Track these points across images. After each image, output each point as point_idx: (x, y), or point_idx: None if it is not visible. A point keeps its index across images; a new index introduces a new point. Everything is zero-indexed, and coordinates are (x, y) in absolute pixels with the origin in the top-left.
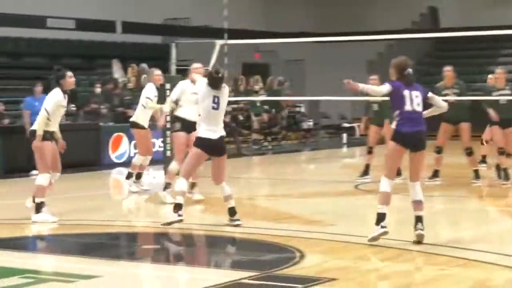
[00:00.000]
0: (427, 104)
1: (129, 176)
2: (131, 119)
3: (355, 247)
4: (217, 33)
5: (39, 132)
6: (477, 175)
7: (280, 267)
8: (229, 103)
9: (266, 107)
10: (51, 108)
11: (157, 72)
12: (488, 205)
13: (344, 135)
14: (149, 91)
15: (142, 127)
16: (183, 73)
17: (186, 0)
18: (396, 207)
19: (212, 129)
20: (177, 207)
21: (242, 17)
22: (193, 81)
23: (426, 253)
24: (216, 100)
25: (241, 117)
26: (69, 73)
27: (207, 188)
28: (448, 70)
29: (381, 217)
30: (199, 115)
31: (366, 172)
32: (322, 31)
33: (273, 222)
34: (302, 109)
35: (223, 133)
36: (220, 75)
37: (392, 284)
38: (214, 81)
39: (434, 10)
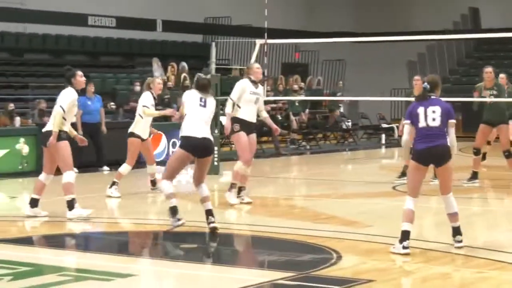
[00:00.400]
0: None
1: (112, 184)
2: (129, 130)
3: (384, 248)
4: (257, 32)
5: (55, 130)
6: None
7: (317, 268)
8: (268, 102)
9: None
10: (67, 106)
11: (158, 80)
12: None
13: (383, 136)
14: (146, 100)
15: (138, 137)
16: (222, 71)
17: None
18: (434, 209)
19: (196, 128)
20: (173, 211)
21: (283, 17)
22: (254, 81)
23: (465, 256)
24: (203, 100)
25: (279, 117)
26: (79, 72)
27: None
28: (488, 72)
29: (404, 236)
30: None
31: (404, 173)
32: (362, 31)
33: (310, 222)
34: (341, 110)
35: (209, 135)
36: (206, 80)
37: (430, 286)
38: (202, 86)
39: (475, 11)
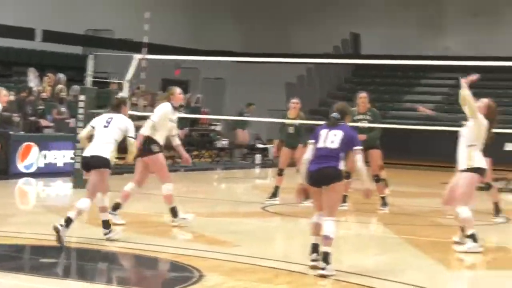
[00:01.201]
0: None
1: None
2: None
3: (257, 269)
4: (139, 47)
5: None
6: (384, 202)
7: (176, 286)
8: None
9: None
10: None
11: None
12: (392, 232)
13: (258, 156)
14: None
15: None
16: (99, 85)
17: (109, 12)
18: (302, 231)
19: (90, 147)
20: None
21: (165, 33)
22: (175, 107)
23: (328, 279)
24: (109, 120)
25: None
26: None
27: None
28: (362, 97)
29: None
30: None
31: (275, 194)
32: (244, 51)
33: (177, 241)
34: (218, 128)
35: (99, 153)
36: (119, 97)
37: None
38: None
39: (355, 36)
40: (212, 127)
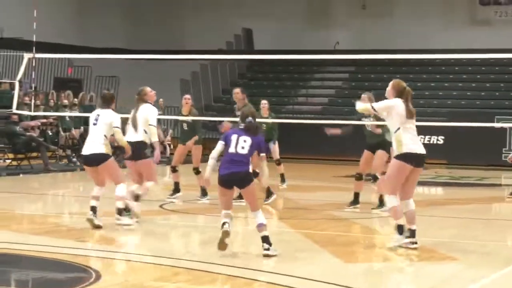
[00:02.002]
0: None
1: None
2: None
3: (156, 267)
4: (29, 45)
5: None
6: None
7: (72, 287)
8: (38, 117)
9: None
10: None
11: None
12: (287, 226)
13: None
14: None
15: None
16: None
17: None
18: (200, 228)
19: (85, 146)
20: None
21: (57, 31)
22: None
23: (227, 276)
24: (97, 117)
25: (50, 132)
26: None
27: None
28: (235, 92)
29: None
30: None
31: (176, 190)
32: (138, 48)
33: (73, 241)
34: None
35: (95, 150)
36: (108, 94)
37: None
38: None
39: (248, 32)
40: None
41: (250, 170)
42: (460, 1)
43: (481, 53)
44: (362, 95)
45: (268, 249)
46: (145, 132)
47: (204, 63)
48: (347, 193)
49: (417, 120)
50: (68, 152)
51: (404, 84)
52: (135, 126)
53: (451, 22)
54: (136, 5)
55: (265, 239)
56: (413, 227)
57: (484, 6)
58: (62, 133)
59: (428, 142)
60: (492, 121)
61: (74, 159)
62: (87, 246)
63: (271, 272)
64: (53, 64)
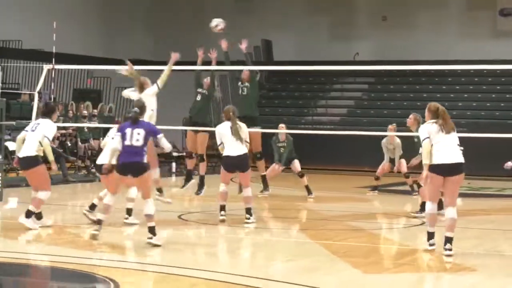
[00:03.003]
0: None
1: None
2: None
3: (173, 278)
4: (49, 57)
5: None
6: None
7: None
8: (58, 128)
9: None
10: None
11: None
12: (307, 237)
13: (173, 164)
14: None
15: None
16: (10, 96)
17: (18, 22)
18: (218, 239)
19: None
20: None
21: (76, 42)
22: None
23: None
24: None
25: (69, 143)
26: None
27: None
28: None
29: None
30: None
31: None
32: (157, 59)
33: (91, 251)
34: None
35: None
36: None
37: None
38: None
39: (267, 43)
40: None
41: (145, 161)
42: (480, 12)
43: (501, 64)
44: (410, 116)
45: (151, 238)
46: None
47: (223, 74)
48: (366, 203)
49: None
50: (87, 163)
51: (438, 105)
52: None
53: (471, 33)
54: (158, 16)
55: (151, 230)
56: (448, 234)
57: (504, 17)
58: (80, 143)
59: None
60: None
61: (93, 170)
62: (106, 257)
63: (290, 283)
64: (72, 75)
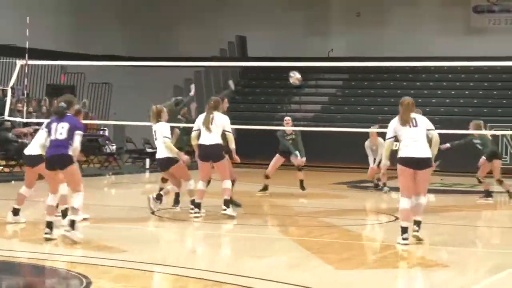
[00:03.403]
0: None
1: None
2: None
3: (146, 274)
4: (21, 52)
5: None
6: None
7: None
8: (31, 124)
9: None
10: None
11: None
12: (282, 234)
13: (147, 160)
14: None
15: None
16: None
17: None
18: (191, 235)
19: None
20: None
21: (50, 38)
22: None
23: (217, 282)
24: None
25: None
26: None
27: None
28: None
29: None
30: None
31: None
32: (131, 55)
33: (64, 248)
34: (106, 133)
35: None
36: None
37: None
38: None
39: (242, 39)
40: (101, 132)
41: (70, 153)
42: (454, 9)
43: (475, 61)
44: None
45: (68, 231)
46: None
47: (198, 70)
48: (340, 200)
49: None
50: None
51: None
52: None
53: (445, 30)
54: (131, 13)
55: (71, 223)
56: (416, 218)
57: (478, 14)
58: None
59: None
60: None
61: None
62: (79, 253)
63: (264, 279)
64: (46, 70)
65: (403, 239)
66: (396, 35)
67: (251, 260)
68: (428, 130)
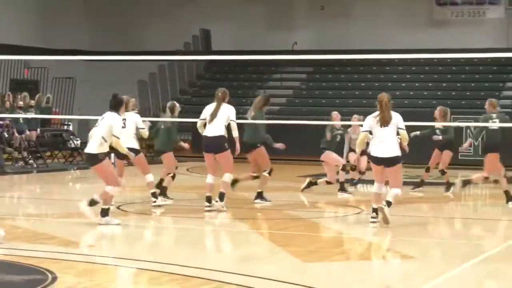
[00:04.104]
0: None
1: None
2: None
3: (112, 269)
4: None
5: None
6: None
7: None
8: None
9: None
10: None
11: None
12: (247, 227)
13: (112, 155)
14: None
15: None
16: None
17: None
18: (155, 229)
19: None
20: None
21: (13, 32)
22: None
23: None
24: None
25: (6, 134)
26: None
27: None
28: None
29: None
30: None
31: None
32: (94, 49)
33: (28, 243)
34: (71, 128)
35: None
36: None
37: None
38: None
39: (206, 32)
40: (65, 127)
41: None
42: (417, 2)
43: (438, 53)
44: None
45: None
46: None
47: (162, 64)
48: (306, 193)
49: None
50: (25, 154)
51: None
52: None
53: (408, 23)
54: (95, 6)
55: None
56: (388, 198)
57: (440, 7)
58: (16, 134)
59: None
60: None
61: (31, 161)
62: (44, 248)
63: (228, 272)
64: (9, 65)
65: (372, 217)
66: (360, 28)
67: (216, 253)
68: (398, 128)
